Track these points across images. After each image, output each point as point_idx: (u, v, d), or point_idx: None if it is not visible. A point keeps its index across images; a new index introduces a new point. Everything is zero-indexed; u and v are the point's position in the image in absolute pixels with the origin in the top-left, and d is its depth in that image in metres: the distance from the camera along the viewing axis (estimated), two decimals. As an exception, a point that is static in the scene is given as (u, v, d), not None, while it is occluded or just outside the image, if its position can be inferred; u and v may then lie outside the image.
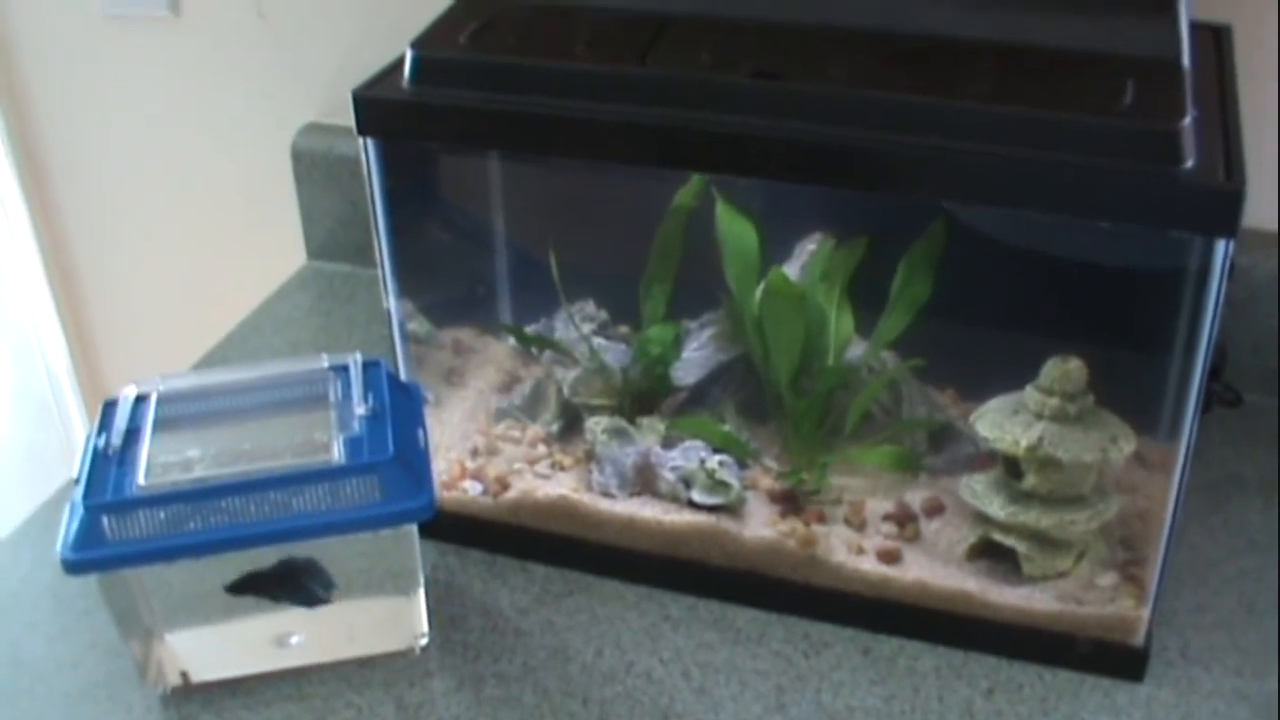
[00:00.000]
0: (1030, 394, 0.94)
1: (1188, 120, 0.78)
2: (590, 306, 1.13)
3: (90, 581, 0.89)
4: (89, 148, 1.53)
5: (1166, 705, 0.91)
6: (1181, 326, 0.84)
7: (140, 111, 1.49)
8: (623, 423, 1.05)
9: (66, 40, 1.46)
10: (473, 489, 1.05)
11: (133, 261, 1.60)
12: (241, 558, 0.89)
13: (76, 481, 0.87)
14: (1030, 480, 0.94)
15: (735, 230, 1.03)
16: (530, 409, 1.11)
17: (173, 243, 1.56)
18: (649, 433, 1.05)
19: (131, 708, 0.93)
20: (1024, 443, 0.92)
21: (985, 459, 1.02)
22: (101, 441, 0.89)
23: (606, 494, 1.03)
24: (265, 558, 0.90)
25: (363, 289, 1.43)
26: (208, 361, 1.32)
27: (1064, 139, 0.79)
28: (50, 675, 0.96)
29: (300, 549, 0.89)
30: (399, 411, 0.92)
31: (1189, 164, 0.77)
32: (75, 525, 0.84)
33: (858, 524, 1.01)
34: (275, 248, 1.49)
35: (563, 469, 1.06)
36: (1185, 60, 0.84)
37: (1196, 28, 0.91)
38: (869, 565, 0.97)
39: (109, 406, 0.93)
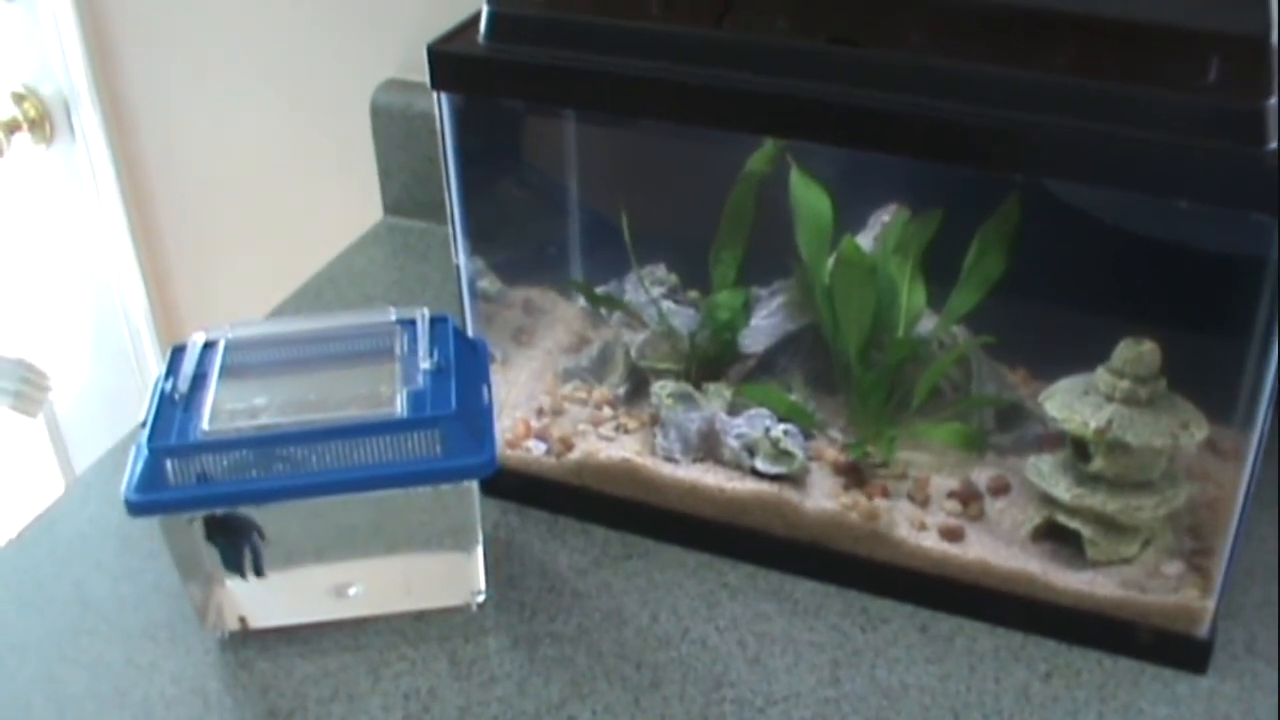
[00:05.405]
0: (1101, 375, 0.92)
1: (1274, 100, 0.76)
2: (661, 270, 1.13)
3: (156, 524, 0.89)
4: (173, 102, 1.55)
5: (1229, 699, 0.90)
6: (1260, 312, 0.82)
7: (223, 66, 1.50)
8: (689, 388, 1.04)
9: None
10: (537, 448, 1.05)
11: (211, 213, 1.62)
12: (299, 509, 0.89)
13: (143, 425, 0.87)
14: (1098, 463, 0.92)
15: (808, 198, 1.01)
16: (597, 370, 1.11)
17: (251, 196, 1.58)
18: (715, 399, 1.04)
19: (190, 650, 0.94)
20: (1093, 425, 0.91)
21: (1053, 440, 1.00)
22: (168, 386, 0.90)
23: (670, 459, 1.02)
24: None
25: (438, 246, 1.43)
26: (281, 312, 1.33)
27: (1145, 115, 0.77)
28: (113, 615, 0.97)
29: (360, 501, 0.89)
30: (464, 367, 0.92)
31: (1273, 145, 0.75)
32: (139, 467, 0.85)
33: (921, 500, 1.00)
34: (352, 202, 1.50)
35: (627, 432, 1.06)
36: (1274, 38, 0.82)
37: (1288, 6, 0.89)
38: (931, 542, 0.96)
39: (177, 352, 0.93)
